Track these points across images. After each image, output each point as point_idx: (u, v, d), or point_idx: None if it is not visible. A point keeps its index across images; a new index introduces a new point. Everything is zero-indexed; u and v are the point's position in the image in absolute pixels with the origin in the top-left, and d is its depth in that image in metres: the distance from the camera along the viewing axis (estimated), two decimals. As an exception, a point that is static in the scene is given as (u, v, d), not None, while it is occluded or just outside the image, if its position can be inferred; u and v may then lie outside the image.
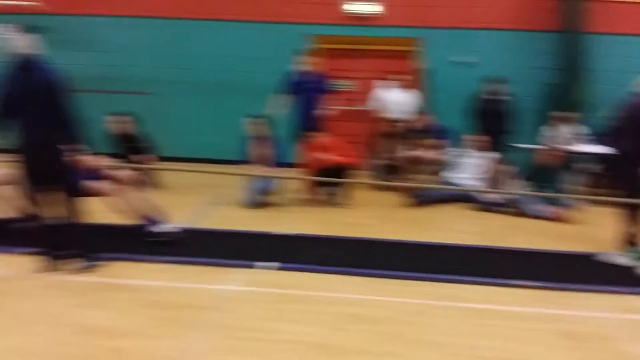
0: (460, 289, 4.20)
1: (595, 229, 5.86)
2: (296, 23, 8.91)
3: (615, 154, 5.05)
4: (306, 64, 7.36)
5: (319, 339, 3.40)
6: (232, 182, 6.84)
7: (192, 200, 6.76)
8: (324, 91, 7.38)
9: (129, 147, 7.21)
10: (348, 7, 8.87)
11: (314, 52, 8.46)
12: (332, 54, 8.92)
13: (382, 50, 9.03)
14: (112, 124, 7.28)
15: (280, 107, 7.35)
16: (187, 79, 9.28)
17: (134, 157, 7.02)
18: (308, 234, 5.47)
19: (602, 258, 4.96)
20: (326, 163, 6.51)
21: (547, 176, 6.70)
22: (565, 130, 7.72)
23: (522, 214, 6.43)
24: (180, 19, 9.20)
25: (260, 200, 6.52)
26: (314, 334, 3.47)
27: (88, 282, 4.20)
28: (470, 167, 7.29)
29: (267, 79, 7.98)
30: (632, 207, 4.84)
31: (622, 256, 4.88)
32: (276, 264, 4.55)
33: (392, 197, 7.01)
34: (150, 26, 9.23)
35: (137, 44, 9.29)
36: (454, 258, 4.94)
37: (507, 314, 3.83)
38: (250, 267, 4.52)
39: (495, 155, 7.27)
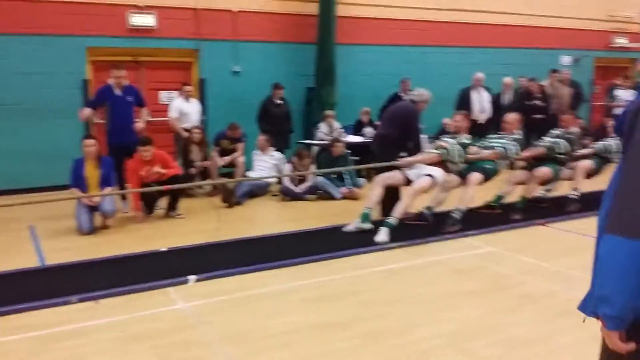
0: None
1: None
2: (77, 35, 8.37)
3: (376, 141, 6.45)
4: (117, 77, 6.92)
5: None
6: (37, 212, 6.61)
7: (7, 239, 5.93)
8: (137, 104, 7.18)
9: None
10: (131, 20, 8.69)
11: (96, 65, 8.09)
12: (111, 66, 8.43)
13: (161, 62, 9.17)
14: None
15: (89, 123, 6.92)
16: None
17: None
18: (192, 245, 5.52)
19: (348, 228, 5.85)
20: (155, 177, 6.49)
21: (334, 164, 7.72)
22: (335, 125, 9.29)
23: (323, 197, 7.72)
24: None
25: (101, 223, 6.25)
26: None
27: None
28: (265, 164, 8.23)
29: (53, 95, 7.43)
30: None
31: (360, 223, 5.77)
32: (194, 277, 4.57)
33: (213, 202, 7.46)
34: None
35: None
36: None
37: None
38: (185, 282, 4.48)
39: (280, 153, 8.30)
